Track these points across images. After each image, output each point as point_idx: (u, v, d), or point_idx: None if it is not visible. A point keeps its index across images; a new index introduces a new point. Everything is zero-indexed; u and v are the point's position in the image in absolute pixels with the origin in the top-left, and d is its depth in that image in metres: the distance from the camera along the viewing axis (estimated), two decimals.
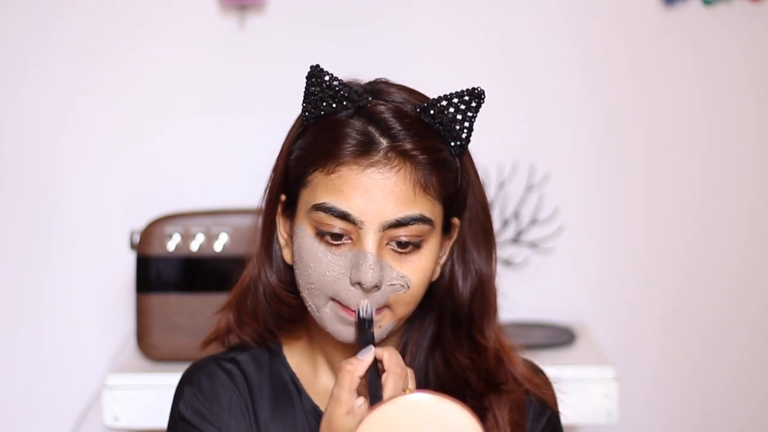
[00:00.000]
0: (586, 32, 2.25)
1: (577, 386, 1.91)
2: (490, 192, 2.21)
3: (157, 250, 1.91)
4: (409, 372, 1.25)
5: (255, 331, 1.40)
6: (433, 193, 1.27)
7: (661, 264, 2.30)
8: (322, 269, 1.27)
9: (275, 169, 1.35)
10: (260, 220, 1.38)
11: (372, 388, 1.20)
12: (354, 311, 1.27)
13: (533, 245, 2.22)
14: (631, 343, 2.29)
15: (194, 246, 1.91)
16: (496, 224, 2.22)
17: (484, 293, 1.36)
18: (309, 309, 1.31)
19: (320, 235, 1.27)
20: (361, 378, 1.22)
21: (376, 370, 1.23)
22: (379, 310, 1.28)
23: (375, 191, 1.25)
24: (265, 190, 1.36)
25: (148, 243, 1.91)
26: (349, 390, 1.21)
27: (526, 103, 2.26)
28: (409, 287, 1.27)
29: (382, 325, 1.29)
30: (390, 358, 1.22)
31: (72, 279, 2.24)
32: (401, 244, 1.26)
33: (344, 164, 1.25)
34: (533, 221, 2.22)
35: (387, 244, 1.26)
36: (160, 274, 1.91)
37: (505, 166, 2.23)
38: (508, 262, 2.22)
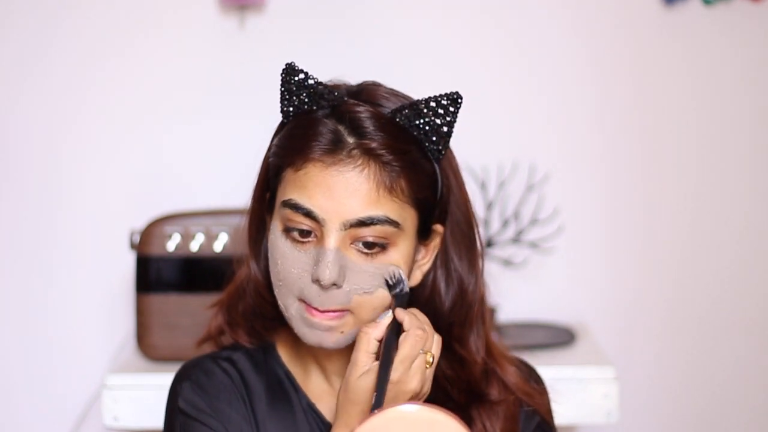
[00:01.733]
0: (586, 32, 2.25)
1: (577, 386, 1.91)
2: (490, 192, 2.21)
3: (157, 250, 1.90)
4: (436, 338, 1.25)
5: (246, 331, 1.40)
6: (401, 196, 1.26)
7: (661, 264, 2.30)
8: (288, 265, 1.27)
9: (261, 167, 1.35)
10: (248, 219, 1.38)
11: (386, 350, 1.21)
12: (315, 309, 1.26)
13: (533, 245, 2.22)
14: (631, 343, 2.29)
15: (194, 246, 1.91)
16: (496, 224, 2.22)
17: (465, 302, 1.35)
18: (281, 309, 1.31)
19: (287, 231, 1.27)
20: (378, 341, 1.23)
21: (395, 332, 1.23)
22: (341, 312, 1.27)
23: (338, 189, 1.24)
24: (252, 189, 1.37)
25: (148, 243, 1.91)
26: (366, 352, 1.22)
27: (526, 102, 2.26)
28: (374, 285, 1.26)
29: (345, 330, 1.28)
30: (411, 320, 1.23)
31: (72, 279, 2.24)
32: (367, 245, 1.26)
33: (311, 161, 1.25)
34: (533, 221, 2.22)
35: (352, 244, 1.26)
36: (160, 274, 1.91)
37: (505, 166, 2.23)
38: (508, 262, 2.22)
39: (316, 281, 1.25)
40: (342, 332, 1.28)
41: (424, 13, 2.25)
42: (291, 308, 1.28)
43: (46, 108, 2.22)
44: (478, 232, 1.37)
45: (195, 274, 1.91)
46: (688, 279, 2.30)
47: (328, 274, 1.24)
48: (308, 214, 1.25)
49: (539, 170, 2.24)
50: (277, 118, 2.05)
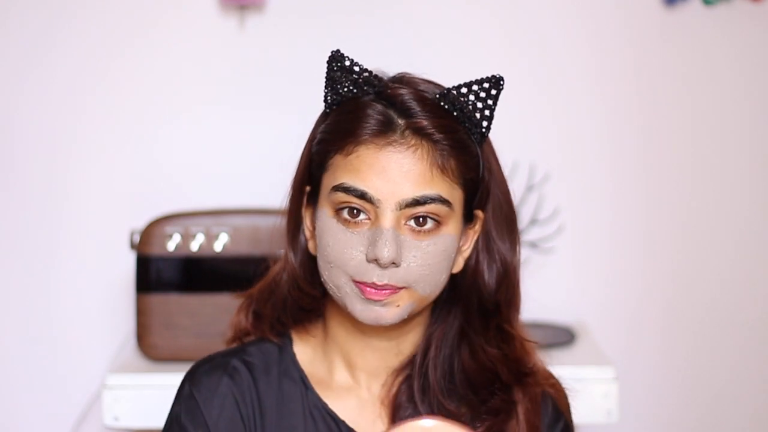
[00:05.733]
0: (586, 32, 2.25)
1: (577, 386, 1.91)
2: None
3: (157, 250, 1.91)
4: None
5: (270, 325, 1.39)
6: (452, 176, 1.28)
7: (662, 264, 2.30)
8: (340, 247, 1.27)
9: (300, 160, 1.36)
10: (287, 211, 1.38)
11: None
12: (371, 287, 1.26)
13: (533, 245, 2.22)
14: (631, 343, 2.29)
15: (194, 246, 1.91)
16: None
17: (510, 282, 1.37)
18: (330, 292, 1.31)
19: (338, 212, 1.28)
20: None
21: None
22: (397, 289, 1.27)
23: (392, 170, 1.26)
24: (291, 183, 1.37)
25: (148, 243, 1.91)
26: None
27: (526, 103, 2.26)
28: (429, 264, 1.27)
29: (401, 304, 1.28)
30: None
31: (72, 279, 2.24)
32: (418, 221, 1.27)
33: (362, 144, 1.27)
34: (533, 221, 2.22)
35: (405, 223, 1.27)
36: (160, 274, 1.91)
37: (505, 166, 2.22)
38: None
39: (374, 261, 1.26)
40: (398, 305, 1.28)
41: (425, 12, 2.25)
42: (344, 287, 1.29)
43: (46, 108, 2.22)
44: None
45: (195, 274, 1.91)
46: (688, 279, 2.30)
47: (386, 253, 1.24)
48: (362, 196, 1.26)
49: (539, 170, 2.24)
50: (278, 118, 2.06)
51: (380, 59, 2.21)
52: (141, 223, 2.06)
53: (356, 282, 1.28)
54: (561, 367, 1.91)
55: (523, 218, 2.22)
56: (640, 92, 2.27)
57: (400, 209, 1.26)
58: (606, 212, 2.28)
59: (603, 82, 2.26)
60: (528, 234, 2.22)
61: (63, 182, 2.23)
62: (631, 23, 2.25)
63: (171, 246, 1.91)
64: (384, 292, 1.27)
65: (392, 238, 1.25)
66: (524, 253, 2.24)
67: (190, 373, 1.38)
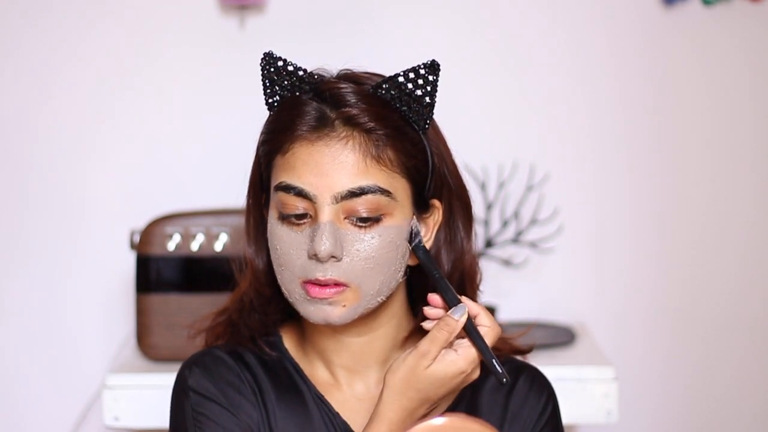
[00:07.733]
0: (586, 32, 2.25)
1: (577, 386, 1.91)
2: (490, 192, 2.21)
3: (157, 250, 1.91)
4: None
5: (249, 335, 1.39)
6: (389, 165, 1.27)
7: (662, 263, 2.30)
8: (286, 248, 1.27)
9: (252, 168, 1.36)
10: (245, 220, 1.37)
11: (477, 342, 1.23)
12: (316, 283, 1.26)
13: (533, 245, 2.22)
14: (631, 343, 2.29)
15: (194, 246, 1.91)
16: (496, 224, 2.22)
17: (461, 266, 1.35)
18: (285, 296, 1.31)
19: (283, 218, 1.28)
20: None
21: (470, 322, 1.24)
22: (340, 287, 1.26)
23: (325, 164, 1.25)
24: (247, 190, 1.37)
25: (148, 243, 1.91)
26: (442, 347, 1.23)
27: (526, 103, 2.26)
28: (373, 256, 1.26)
29: (347, 304, 1.27)
30: (488, 317, 1.25)
31: (72, 279, 2.24)
32: (362, 219, 1.26)
33: (296, 140, 1.27)
34: (533, 221, 2.22)
35: (346, 218, 1.26)
36: (160, 274, 1.91)
37: (505, 166, 2.23)
38: (508, 262, 2.22)
39: (314, 256, 1.25)
40: (344, 306, 1.27)
41: (424, 13, 2.25)
42: (294, 293, 1.29)
43: (45, 109, 2.22)
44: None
45: (195, 274, 1.91)
46: (689, 278, 2.30)
47: (323, 247, 1.24)
48: (300, 194, 1.26)
49: (539, 170, 2.24)
50: None
51: (381, 58, 2.22)
52: (141, 223, 2.06)
53: (303, 282, 1.27)
54: (561, 367, 1.93)
55: (523, 218, 2.22)
56: (639, 92, 2.27)
57: (337, 202, 1.25)
58: (606, 212, 2.28)
59: (602, 82, 2.26)
60: (528, 234, 2.22)
61: (63, 183, 2.23)
62: (630, 23, 2.25)
63: (171, 246, 1.91)
64: (328, 290, 1.26)
65: (329, 231, 1.25)
66: (524, 253, 2.24)
67: (193, 361, 1.36)
